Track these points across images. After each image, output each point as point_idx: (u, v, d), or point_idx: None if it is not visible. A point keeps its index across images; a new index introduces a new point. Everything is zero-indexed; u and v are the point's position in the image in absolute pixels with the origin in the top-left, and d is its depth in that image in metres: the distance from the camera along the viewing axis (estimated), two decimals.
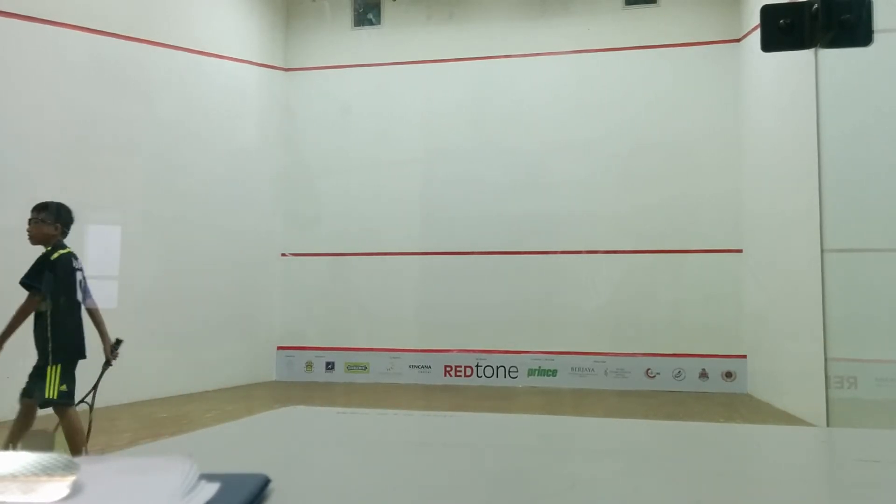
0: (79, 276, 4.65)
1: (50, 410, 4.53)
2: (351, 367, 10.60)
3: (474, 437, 1.10)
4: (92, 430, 4.84)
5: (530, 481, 0.78)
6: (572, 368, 9.97)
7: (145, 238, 8.84)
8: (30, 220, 4.54)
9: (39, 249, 4.58)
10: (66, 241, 4.67)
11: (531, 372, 10.12)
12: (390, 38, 10.92)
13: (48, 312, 4.47)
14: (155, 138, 9.10)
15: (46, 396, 4.39)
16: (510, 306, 10.13)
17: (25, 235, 4.66)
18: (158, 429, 6.86)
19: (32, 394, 4.44)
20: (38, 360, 4.47)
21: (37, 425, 4.95)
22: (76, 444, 4.42)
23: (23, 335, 4.41)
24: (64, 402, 4.43)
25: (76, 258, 4.65)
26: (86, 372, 4.88)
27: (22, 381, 4.51)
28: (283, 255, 10.95)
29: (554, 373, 10.04)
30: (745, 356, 9.49)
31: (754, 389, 9.28)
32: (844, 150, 6.32)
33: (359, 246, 10.66)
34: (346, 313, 10.64)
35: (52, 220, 4.54)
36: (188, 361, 9.23)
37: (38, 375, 4.44)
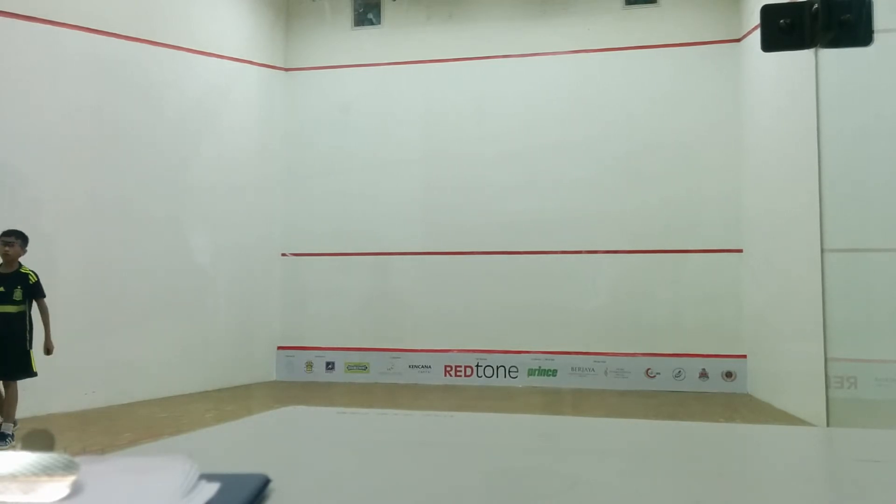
0: None
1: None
2: (351, 367, 10.60)
3: (474, 437, 1.10)
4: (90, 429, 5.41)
5: (530, 481, 0.78)
6: (572, 368, 9.97)
7: (144, 238, 8.84)
8: (7, 242, 5.90)
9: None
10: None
11: (531, 372, 10.11)
12: (390, 38, 10.92)
13: (30, 314, 6.01)
14: (154, 138, 9.10)
15: (34, 370, 5.97)
16: (510, 306, 10.13)
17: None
18: (158, 429, 6.86)
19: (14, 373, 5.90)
20: (23, 347, 5.92)
21: (36, 425, 6.16)
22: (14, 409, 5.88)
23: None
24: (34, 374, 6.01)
25: None
26: None
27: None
28: (284, 255, 10.95)
29: (554, 373, 10.04)
30: (745, 356, 9.49)
31: (754, 389, 9.28)
32: (844, 149, 6.31)
33: (359, 246, 10.65)
34: (346, 313, 10.63)
35: (23, 244, 5.98)
36: (188, 361, 9.23)
37: (24, 359, 5.91)
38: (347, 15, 11.05)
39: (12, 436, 5.92)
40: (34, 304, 6.03)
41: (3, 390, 5.94)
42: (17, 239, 5.95)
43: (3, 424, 5.92)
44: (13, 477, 0.55)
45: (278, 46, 11.04)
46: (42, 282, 6.06)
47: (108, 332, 8.34)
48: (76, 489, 0.55)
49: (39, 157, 7.92)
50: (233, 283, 10.18)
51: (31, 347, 5.99)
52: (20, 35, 7.87)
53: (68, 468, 0.56)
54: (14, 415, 5.91)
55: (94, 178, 8.41)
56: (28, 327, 5.97)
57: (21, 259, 6.02)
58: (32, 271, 6.04)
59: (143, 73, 8.98)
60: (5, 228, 6.13)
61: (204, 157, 9.73)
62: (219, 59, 9.98)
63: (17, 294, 5.88)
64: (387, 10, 10.94)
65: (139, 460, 0.77)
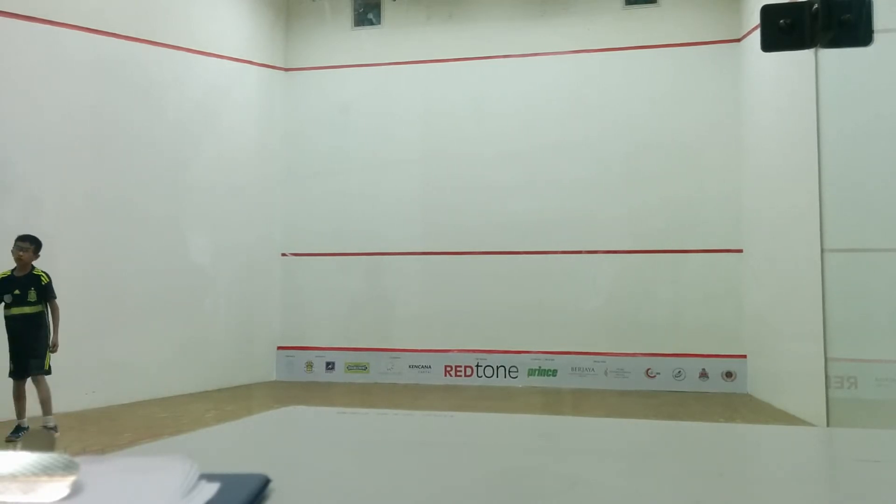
0: None
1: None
2: (351, 367, 10.60)
3: (474, 437, 1.10)
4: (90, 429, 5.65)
5: (530, 481, 0.78)
6: (572, 368, 9.97)
7: (144, 238, 8.84)
8: (22, 248, 6.22)
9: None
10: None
11: (531, 372, 10.11)
12: (390, 38, 10.92)
13: (47, 313, 6.35)
14: (155, 138, 9.09)
15: (47, 368, 6.28)
16: (510, 306, 10.12)
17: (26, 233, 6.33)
18: (158, 429, 6.86)
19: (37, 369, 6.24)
20: (40, 345, 6.24)
21: (35, 424, 6.37)
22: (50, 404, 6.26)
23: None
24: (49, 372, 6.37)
25: None
26: None
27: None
28: (284, 255, 10.95)
29: (554, 373, 10.03)
30: (745, 356, 9.49)
31: (754, 389, 9.28)
32: (844, 149, 6.31)
33: (359, 246, 10.65)
34: (346, 313, 10.63)
35: (37, 249, 6.30)
36: (188, 361, 9.22)
37: (40, 356, 6.24)
38: (347, 15, 11.05)
39: (55, 427, 6.27)
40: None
41: (35, 389, 6.24)
42: (31, 244, 6.29)
43: (44, 418, 6.26)
44: (14, 477, 0.55)
45: (278, 46, 11.03)
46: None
47: (109, 332, 8.34)
48: (76, 489, 0.55)
49: (39, 156, 7.92)
50: (233, 283, 10.17)
51: (49, 345, 6.35)
52: (20, 35, 7.86)
53: (68, 468, 0.56)
54: (51, 408, 6.25)
55: (94, 178, 8.40)
56: (47, 326, 6.33)
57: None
58: (45, 273, 6.34)
59: (143, 73, 8.98)
60: (7, 229, 6.35)
61: (204, 157, 9.72)
62: (219, 60, 9.97)
63: (32, 295, 6.23)
64: (387, 10, 10.93)
65: (139, 460, 0.77)
